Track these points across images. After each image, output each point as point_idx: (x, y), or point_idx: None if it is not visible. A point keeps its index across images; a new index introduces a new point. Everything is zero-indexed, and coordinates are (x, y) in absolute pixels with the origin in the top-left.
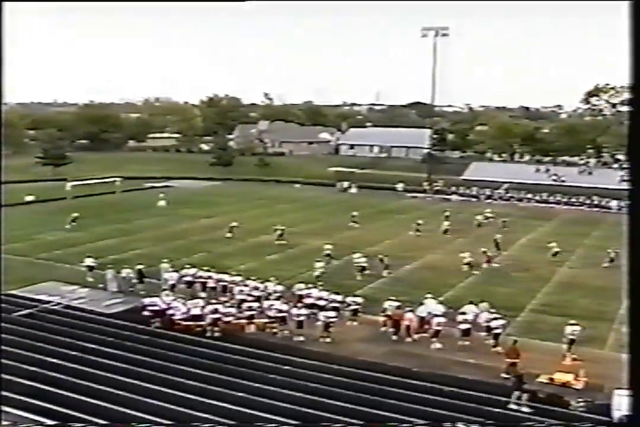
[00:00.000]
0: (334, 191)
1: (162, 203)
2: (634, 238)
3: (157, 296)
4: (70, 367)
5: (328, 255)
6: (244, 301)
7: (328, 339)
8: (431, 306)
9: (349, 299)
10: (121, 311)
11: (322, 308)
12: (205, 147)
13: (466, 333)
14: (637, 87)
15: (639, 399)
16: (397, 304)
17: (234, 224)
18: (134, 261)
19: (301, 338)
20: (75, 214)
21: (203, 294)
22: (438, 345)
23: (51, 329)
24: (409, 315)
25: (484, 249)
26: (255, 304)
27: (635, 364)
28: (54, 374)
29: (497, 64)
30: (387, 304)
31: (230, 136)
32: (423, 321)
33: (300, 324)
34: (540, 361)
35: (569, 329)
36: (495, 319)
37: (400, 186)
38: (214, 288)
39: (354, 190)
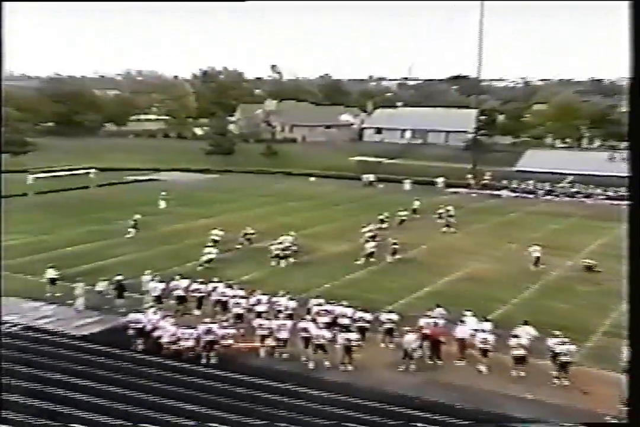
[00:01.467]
0: (357, 186)
1: (162, 204)
2: (634, 238)
3: (141, 312)
4: (30, 404)
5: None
6: (246, 318)
7: (350, 367)
8: (475, 324)
9: (383, 317)
10: (95, 333)
11: (346, 328)
12: (199, 132)
13: (521, 360)
14: (636, 86)
15: (638, 404)
16: (435, 320)
17: (249, 230)
18: (113, 270)
19: (326, 363)
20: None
21: (198, 312)
22: (484, 370)
23: (7, 356)
24: (459, 329)
25: (536, 254)
26: (261, 323)
27: (634, 369)
28: (10, 415)
29: (560, 27)
30: (423, 321)
31: (231, 119)
32: (465, 343)
33: (321, 348)
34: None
35: None
36: (563, 343)
37: (440, 180)
38: (213, 303)
39: (381, 184)
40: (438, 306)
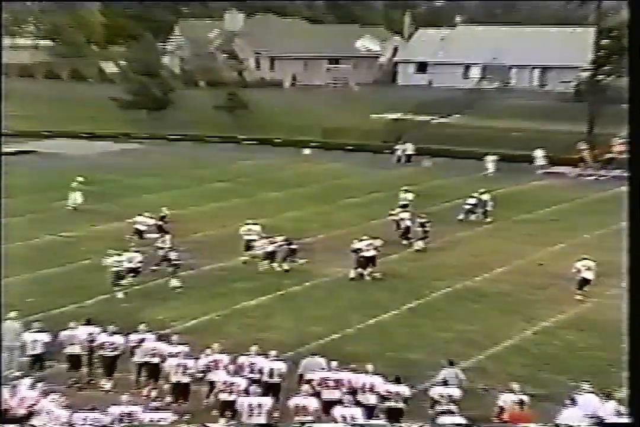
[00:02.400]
0: (385, 162)
1: (77, 198)
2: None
3: (5, 386)
4: None
5: None
6: (194, 393)
7: None
8: (594, 405)
9: (435, 392)
10: None
11: (370, 410)
12: (110, 68)
13: None
14: (636, 85)
15: (638, 401)
16: (519, 397)
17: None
18: None
19: None
20: None
21: (108, 384)
22: None
23: None
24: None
25: None
26: (225, 399)
27: (634, 366)
28: None
29: None
30: (502, 400)
31: (166, 46)
32: None
33: None
34: None
35: None
36: None
37: (539, 154)
38: (136, 368)
39: (427, 162)
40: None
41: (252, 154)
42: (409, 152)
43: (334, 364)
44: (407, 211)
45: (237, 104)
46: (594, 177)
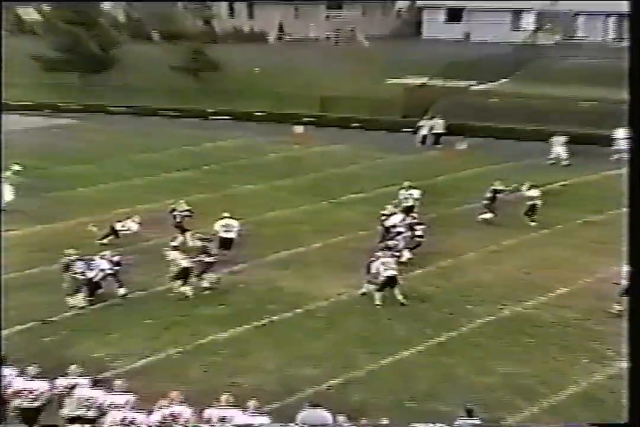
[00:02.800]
0: (404, 145)
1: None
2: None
3: None
4: None
5: None
6: None
7: None
8: None
9: None
10: None
11: None
12: (31, 15)
13: None
14: (636, 85)
15: (638, 401)
16: None
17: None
18: None
19: None
20: None
21: None
22: None
23: None
24: None
25: None
26: None
27: (634, 365)
28: None
29: None
30: None
31: None
32: None
33: None
34: None
35: None
36: None
37: (620, 134)
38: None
39: (462, 144)
40: None
41: (224, 133)
42: (438, 130)
43: (341, 418)
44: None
45: (204, 64)
46: None
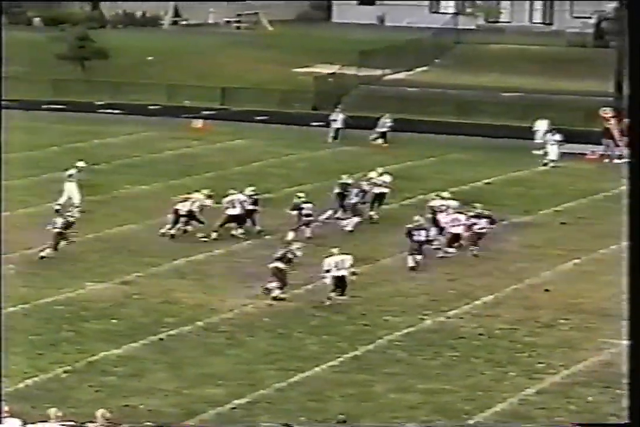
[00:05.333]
0: (314, 140)
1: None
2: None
3: None
4: None
5: None
6: None
7: None
8: None
9: None
10: None
11: None
12: None
13: None
14: (636, 85)
15: (638, 401)
16: None
17: None
18: None
19: None
20: None
21: None
22: None
23: None
24: None
25: None
26: None
27: (634, 369)
28: None
29: None
30: None
31: None
32: None
33: None
34: None
35: None
36: None
37: (541, 126)
38: None
39: (378, 137)
40: None
41: (115, 128)
42: (337, 125)
43: None
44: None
45: (92, 52)
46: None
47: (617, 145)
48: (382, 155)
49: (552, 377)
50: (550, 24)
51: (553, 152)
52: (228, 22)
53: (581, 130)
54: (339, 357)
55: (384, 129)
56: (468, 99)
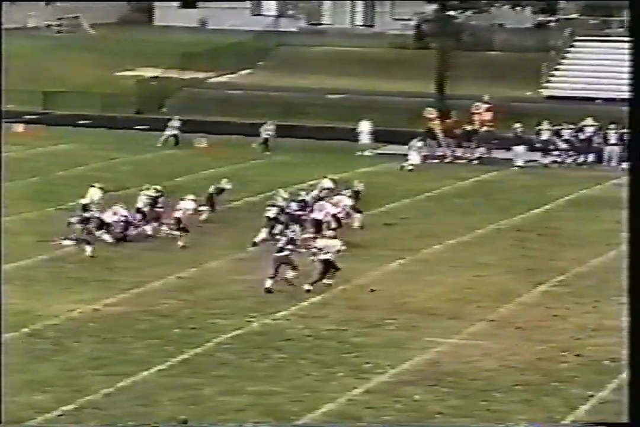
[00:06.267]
0: (141, 143)
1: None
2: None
3: None
4: None
5: None
6: None
7: None
8: None
9: None
10: None
11: None
12: None
13: None
14: (637, 87)
15: (638, 401)
16: None
17: None
18: None
19: None
20: None
21: None
22: None
23: None
24: None
25: None
26: None
27: (634, 369)
28: None
29: None
30: None
31: None
32: None
33: None
34: None
35: None
36: None
37: (365, 128)
38: None
39: (202, 141)
40: None
41: None
42: (176, 126)
43: None
44: None
45: None
46: (448, 159)
47: (440, 146)
48: (206, 158)
49: (379, 377)
50: (372, 26)
51: (414, 157)
52: (49, 25)
53: (404, 131)
54: (167, 361)
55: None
56: (292, 101)
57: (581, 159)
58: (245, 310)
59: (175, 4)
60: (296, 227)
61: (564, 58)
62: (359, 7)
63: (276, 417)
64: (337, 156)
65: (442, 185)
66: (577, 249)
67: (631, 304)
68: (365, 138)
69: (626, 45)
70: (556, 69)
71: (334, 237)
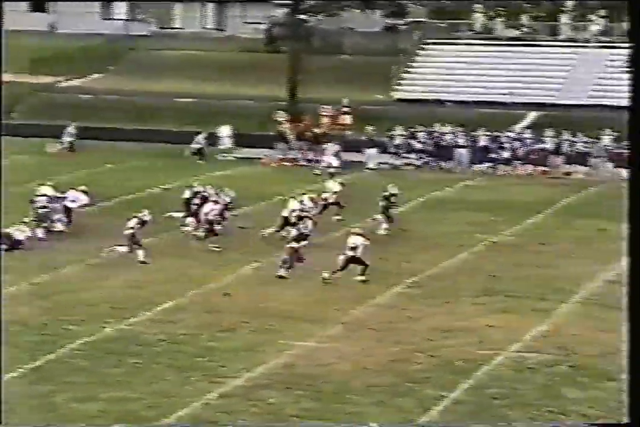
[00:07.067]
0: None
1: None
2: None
3: None
4: None
5: None
6: None
7: None
8: None
9: None
10: None
11: None
12: None
13: None
14: (637, 89)
15: (638, 401)
16: None
17: None
18: None
19: None
20: None
21: None
22: None
23: None
24: None
25: None
26: None
27: (634, 369)
28: None
29: None
30: None
31: None
32: None
33: None
34: None
35: None
36: None
37: (225, 133)
38: None
39: (54, 146)
40: None
41: None
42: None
43: None
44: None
45: None
46: (302, 161)
47: (291, 149)
48: (61, 164)
49: (234, 381)
50: (223, 29)
51: (371, 160)
52: None
53: (256, 135)
54: (20, 368)
55: (70, 138)
56: (144, 106)
57: (433, 161)
58: (99, 316)
59: (25, 8)
60: (309, 222)
61: (414, 61)
62: (210, 10)
63: (131, 423)
64: (191, 161)
65: (295, 187)
66: (429, 250)
67: (630, 306)
68: (226, 142)
69: (475, 48)
70: (406, 72)
71: (360, 234)
